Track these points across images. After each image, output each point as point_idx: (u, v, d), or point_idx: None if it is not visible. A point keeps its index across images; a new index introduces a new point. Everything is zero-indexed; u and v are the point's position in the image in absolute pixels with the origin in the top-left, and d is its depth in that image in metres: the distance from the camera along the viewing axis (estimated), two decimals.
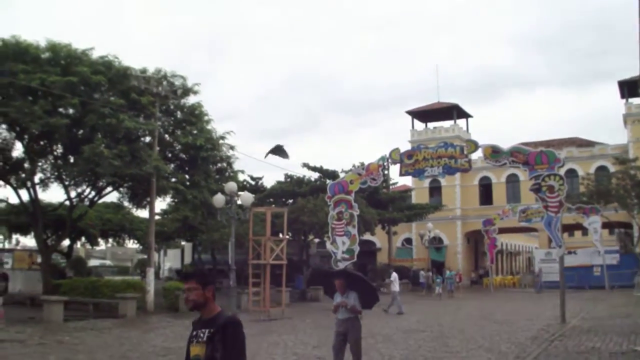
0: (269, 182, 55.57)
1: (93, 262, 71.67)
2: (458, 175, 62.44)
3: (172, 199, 34.24)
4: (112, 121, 26.87)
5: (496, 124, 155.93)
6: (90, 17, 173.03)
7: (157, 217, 50.64)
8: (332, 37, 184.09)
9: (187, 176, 32.33)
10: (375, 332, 19.89)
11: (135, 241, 49.71)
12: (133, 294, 27.56)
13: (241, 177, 47.39)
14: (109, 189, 33.62)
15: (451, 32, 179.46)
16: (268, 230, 29.13)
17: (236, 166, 35.11)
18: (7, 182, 31.25)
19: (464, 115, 70.16)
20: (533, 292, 45.71)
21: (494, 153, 23.17)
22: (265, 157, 45.02)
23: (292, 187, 49.27)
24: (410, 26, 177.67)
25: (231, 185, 29.23)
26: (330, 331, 18.63)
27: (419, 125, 70.89)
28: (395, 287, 30.47)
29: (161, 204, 52.58)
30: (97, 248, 68.31)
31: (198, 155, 30.77)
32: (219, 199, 28.80)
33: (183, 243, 60.94)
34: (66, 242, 41.23)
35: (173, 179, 31.72)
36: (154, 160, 27.52)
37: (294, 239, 44.29)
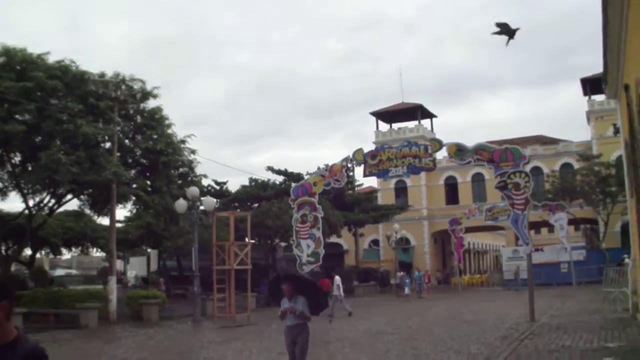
0: (233, 186, 55.07)
1: (59, 272, 70.39)
2: (424, 175, 62.50)
3: (133, 206, 33.49)
4: (69, 127, 26.22)
5: (461, 125, 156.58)
6: (51, 22, 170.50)
7: (120, 225, 50.08)
8: (298, 43, 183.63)
9: (148, 182, 31.66)
10: (342, 336, 19.55)
11: (99, 249, 48.74)
12: (95, 304, 26.87)
13: (205, 182, 46.86)
14: (69, 196, 32.78)
15: (416, 34, 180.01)
16: (232, 235, 28.70)
17: (200, 171, 34.64)
18: None
19: (429, 115, 70.24)
20: (503, 290, 45.84)
21: (458, 151, 22.99)
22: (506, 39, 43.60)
23: (256, 191, 49.01)
24: (375, 29, 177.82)
25: (193, 190, 28.78)
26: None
27: (384, 127, 70.85)
28: (338, 291, 29.06)
29: (123, 211, 51.69)
30: (63, 257, 67.16)
31: (159, 160, 30.14)
32: (181, 205, 28.34)
33: (149, 250, 60.10)
34: (28, 252, 40.36)
35: (134, 185, 31.07)
36: (113, 166, 26.85)
37: (259, 243, 43.86)
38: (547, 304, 28.69)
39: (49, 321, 26.43)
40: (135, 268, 71.71)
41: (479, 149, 22.75)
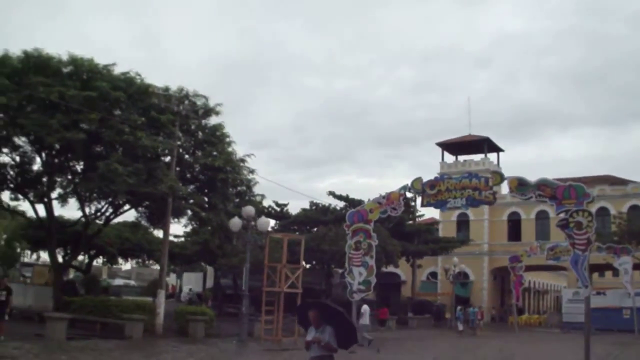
0: (295, 209, 54.84)
1: (117, 282, 71.25)
2: (486, 210, 61.40)
3: (188, 221, 33.40)
4: (129, 138, 26.29)
5: (529, 161, 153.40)
6: (124, 34, 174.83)
7: (179, 239, 50.36)
8: (369, 69, 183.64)
9: (205, 198, 31.59)
10: None
11: (155, 262, 48.97)
12: (141, 316, 26.74)
13: (266, 202, 46.68)
14: (127, 207, 33.00)
15: (488, 68, 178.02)
16: (284, 256, 28.34)
17: (265, 192, 34.40)
18: (25, 196, 30.90)
19: (496, 149, 68.90)
20: (561, 333, 44.19)
21: (520, 186, 22.08)
22: None
23: (317, 215, 48.71)
24: (447, 61, 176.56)
25: (248, 209, 28.55)
26: None
27: (450, 158, 69.87)
28: (365, 320, 29.38)
29: (179, 225, 51.70)
30: (123, 268, 67.90)
31: (216, 176, 30.04)
32: (235, 223, 28.16)
33: (207, 267, 60.23)
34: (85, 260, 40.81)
35: (191, 201, 31.00)
36: (170, 180, 26.82)
37: (315, 267, 43.42)
38: (605, 350, 27.33)
39: (94, 329, 26.46)
40: (191, 283, 72.20)
41: (542, 185, 21.78)
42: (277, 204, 55.50)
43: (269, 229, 31.18)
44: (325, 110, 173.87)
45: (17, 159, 29.69)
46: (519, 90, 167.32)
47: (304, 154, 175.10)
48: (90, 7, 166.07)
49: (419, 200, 26.97)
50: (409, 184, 24.32)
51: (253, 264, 29.13)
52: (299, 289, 28.30)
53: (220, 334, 29.70)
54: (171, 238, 48.95)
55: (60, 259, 34.82)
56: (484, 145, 66.59)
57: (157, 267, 59.34)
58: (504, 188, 58.16)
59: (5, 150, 29.01)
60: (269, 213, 55.59)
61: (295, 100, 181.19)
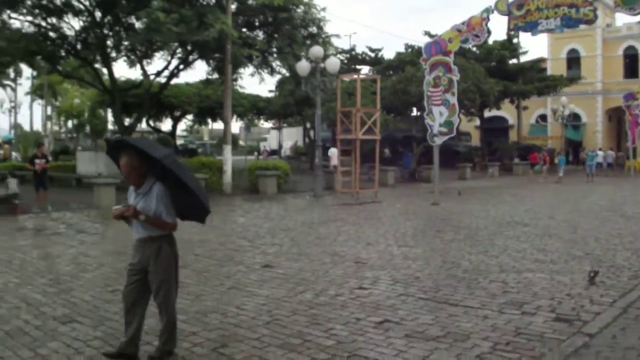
0: (389, 54, 51.17)
1: (199, 142, 70.85)
2: (599, 45, 55.95)
3: (255, 69, 30.44)
4: None
5: None
6: None
7: (268, 95, 48.12)
8: None
9: (269, 42, 28.53)
10: (463, 225, 15.90)
11: (238, 118, 46.92)
12: (204, 175, 24.52)
13: (359, 49, 42.95)
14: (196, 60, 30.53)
15: None
16: (358, 99, 25.23)
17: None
18: (87, 61, 29.69)
19: None
20: None
21: None
22: None
23: (411, 58, 44.59)
24: None
25: (316, 50, 25.40)
26: (413, 220, 14.89)
27: None
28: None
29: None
30: (208, 127, 67.03)
31: (278, 17, 26.80)
32: (302, 66, 25.20)
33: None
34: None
35: (257, 47, 27.89)
36: (220, 24, 23.59)
37: (402, 112, 40.12)
38: None
39: None
40: (291, 138, 70.55)
41: None
42: (371, 49, 52.64)
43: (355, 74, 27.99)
44: None
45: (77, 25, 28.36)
46: None
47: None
48: None
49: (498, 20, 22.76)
50: (493, 5, 20.34)
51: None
52: (377, 134, 25.26)
53: (296, 189, 27.49)
54: (255, 92, 46.81)
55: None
56: None
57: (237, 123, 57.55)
58: (618, 19, 51.70)
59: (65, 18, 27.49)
60: (363, 59, 52.57)
61: None
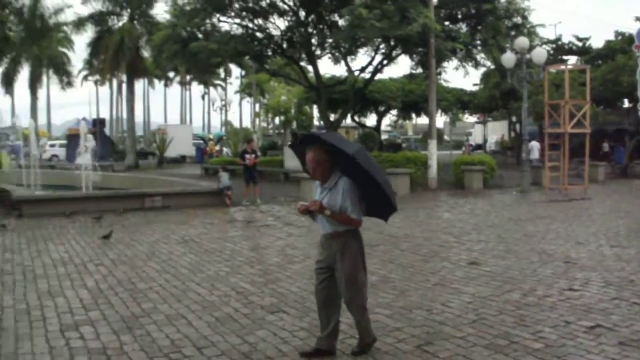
0: (598, 43, 48.60)
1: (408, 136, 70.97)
2: None
3: (459, 63, 30.11)
4: None
5: None
6: None
7: (473, 88, 47.48)
8: None
9: (475, 35, 28.14)
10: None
11: (443, 112, 46.53)
12: (407, 170, 24.63)
13: (565, 38, 41.27)
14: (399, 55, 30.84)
15: None
16: (567, 91, 24.29)
17: (535, 21, 29.83)
18: (293, 59, 30.88)
19: None
20: None
21: None
22: None
23: (622, 46, 42.07)
24: None
25: (521, 41, 24.91)
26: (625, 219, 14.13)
27: None
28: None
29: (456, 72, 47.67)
30: (411, 122, 67.20)
31: (481, 8, 26.34)
32: (508, 58, 24.84)
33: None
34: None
35: (460, 40, 27.59)
36: (422, 18, 23.56)
37: (612, 104, 37.96)
38: None
39: None
40: (496, 133, 69.02)
41: None
42: (578, 38, 49.99)
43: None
44: None
45: (283, 25, 29.45)
46: None
47: None
48: None
49: None
50: None
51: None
52: (586, 128, 24.15)
53: (502, 185, 26.89)
54: (459, 86, 46.30)
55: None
56: None
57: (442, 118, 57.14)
58: None
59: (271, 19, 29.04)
60: (570, 49, 50.27)
61: None
